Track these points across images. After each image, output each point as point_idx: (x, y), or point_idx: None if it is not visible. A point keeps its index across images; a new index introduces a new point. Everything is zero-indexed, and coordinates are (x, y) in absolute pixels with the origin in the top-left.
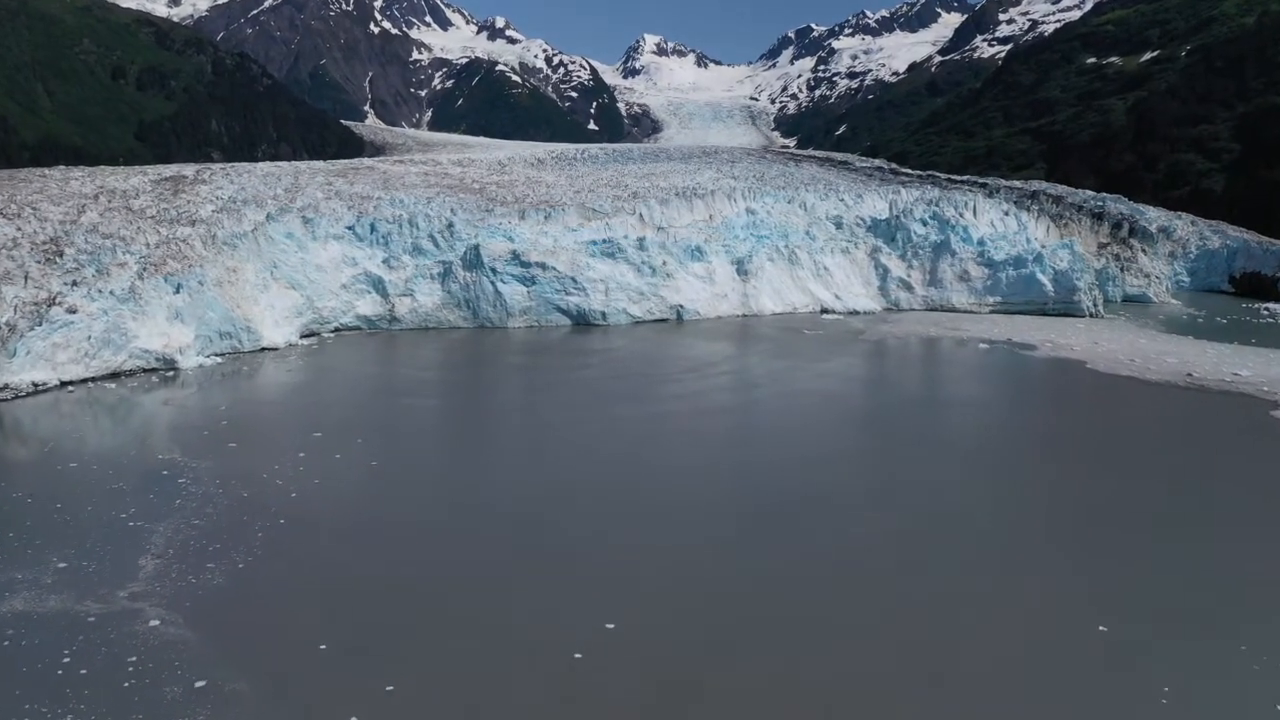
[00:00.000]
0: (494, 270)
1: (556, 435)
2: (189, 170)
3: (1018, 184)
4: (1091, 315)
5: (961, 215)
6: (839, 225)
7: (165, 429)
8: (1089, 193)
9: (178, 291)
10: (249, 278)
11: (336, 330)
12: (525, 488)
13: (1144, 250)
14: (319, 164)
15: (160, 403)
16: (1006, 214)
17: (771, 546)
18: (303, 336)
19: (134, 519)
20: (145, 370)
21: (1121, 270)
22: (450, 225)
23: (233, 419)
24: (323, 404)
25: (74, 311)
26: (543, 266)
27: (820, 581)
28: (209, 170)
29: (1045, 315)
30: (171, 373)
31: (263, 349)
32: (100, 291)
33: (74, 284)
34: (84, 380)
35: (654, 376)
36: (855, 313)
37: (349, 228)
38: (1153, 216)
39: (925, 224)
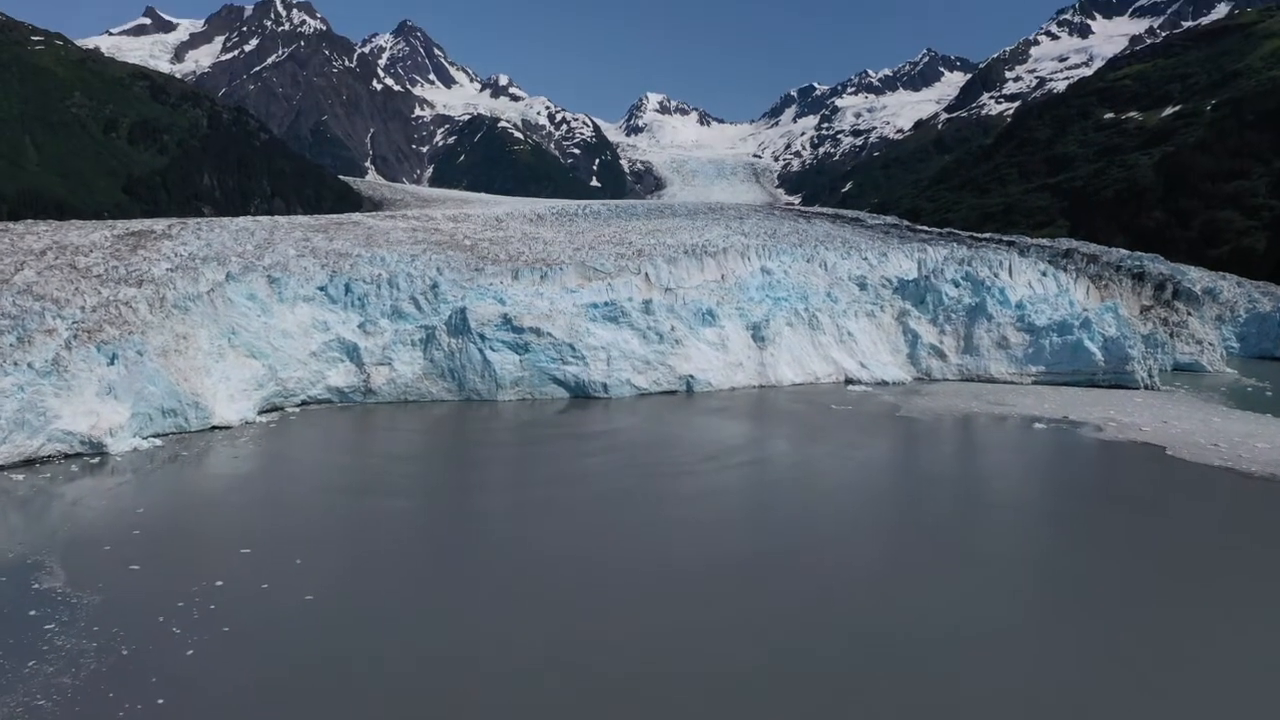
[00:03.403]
0: (482, 336)
1: (548, 562)
2: (160, 225)
3: (1045, 242)
4: (1147, 387)
5: (996, 275)
6: (863, 286)
7: (61, 540)
8: (1124, 251)
9: (112, 362)
10: (201, 345)
11: (303, 404)
12: (503, 649)
13: (1191, 313)
14: (301, 218)
15: (69, 502)
16: (1044, 274)
17: None
18: (263, 412)
19: None
20: (67, 456)
21: (1171, 336)
22: (435, 286)
23: (148, 526)
24: (264, 504)
25: None
26: (537, 332)
27: None
28: (180, 225)
29: (1095, 387)
30: (98, 459)
31: (213, 428)
32: (17, 364)
33: None
34: None
35: (664, 468)
36: (884, 383)
37: (321, 288)
38: (1195, 277)
39: (957, 285)
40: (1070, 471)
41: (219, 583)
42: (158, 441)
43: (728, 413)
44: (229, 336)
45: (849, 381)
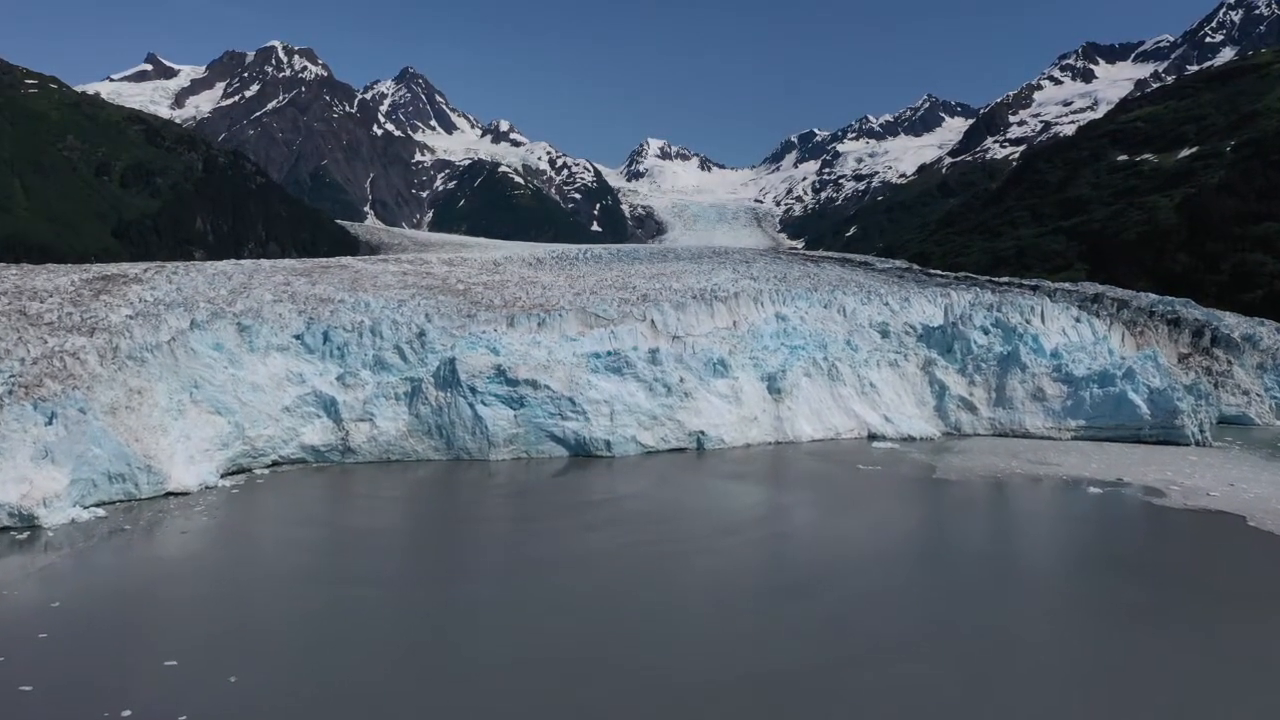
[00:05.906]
0: (473, 389)
1: (540, 690)
2: (135, 269)
3: (1069, 286)
4: (1199, 443)
5: (1029, 322)
6: (885, 333)
7: None
8: (1154, 296)
9: (50, 422)
10: (158, 401)
11: (274, 465)
12: None
13: (1233, 362)
14: (285, 261)
15: None
16: (1078, 320)
17: None
18: (227, 474)
19: None
20: None
21: (1215, 386)
22: (422, 334)
23: (60, 627)
24: (205, 596)
25: None
26: (533, 385)
27: None
28: (157, 269)
29: (1140, 443)
30: (27, 534)
31: (168, 494)
32: None
33: None
34: None
35: (675, 546)
36: (910, 439)
37: (296, 337)
38: (1232, 323)
39: (987, 332)
40: (1145, 551)
41: (126, 713)
42: (100, 512)
43: (744, 476)
44: (191, 390)
45: (873, 437)
